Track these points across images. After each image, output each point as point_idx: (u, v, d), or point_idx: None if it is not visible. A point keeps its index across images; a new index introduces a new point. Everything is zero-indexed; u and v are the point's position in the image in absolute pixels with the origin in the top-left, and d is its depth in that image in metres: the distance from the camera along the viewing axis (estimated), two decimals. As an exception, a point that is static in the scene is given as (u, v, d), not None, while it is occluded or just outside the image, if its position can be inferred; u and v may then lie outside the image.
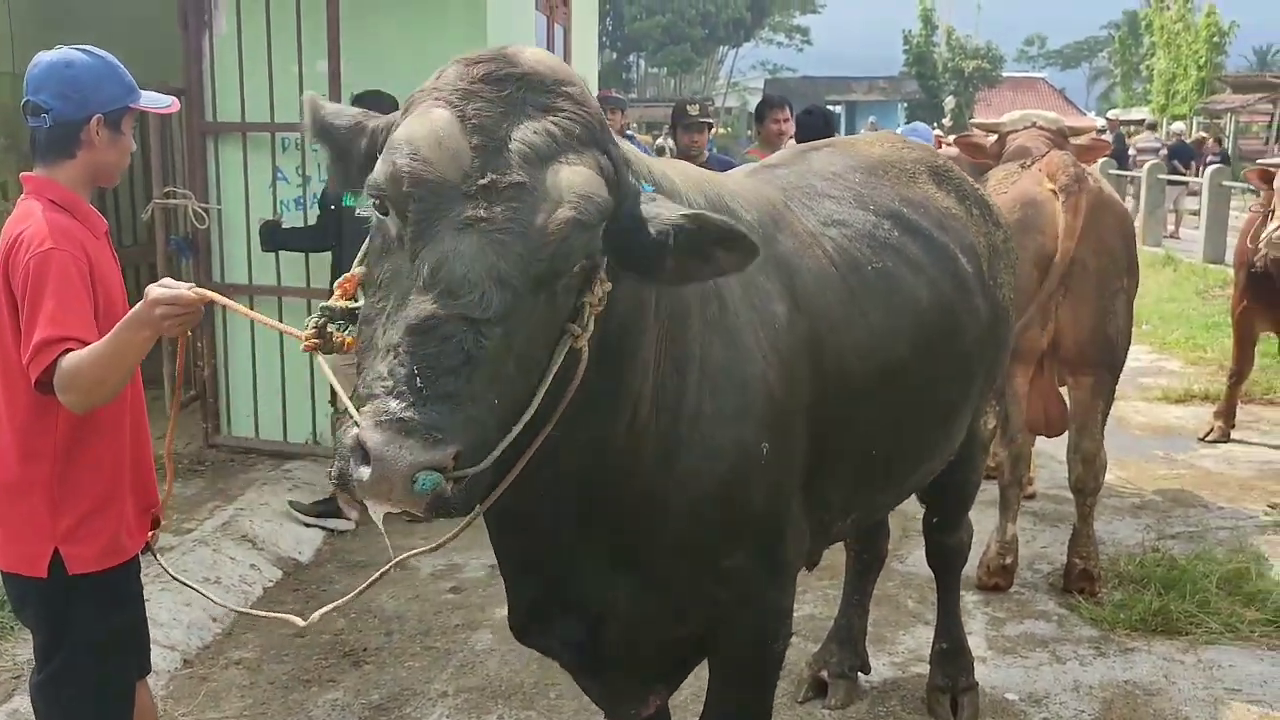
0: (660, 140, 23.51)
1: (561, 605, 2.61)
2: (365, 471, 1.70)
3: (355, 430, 1.72)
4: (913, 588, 5.24)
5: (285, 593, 5.16)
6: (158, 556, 3.03)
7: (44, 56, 2.76)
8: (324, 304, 2.13)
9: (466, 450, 1.73)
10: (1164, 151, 20.78)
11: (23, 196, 2.80)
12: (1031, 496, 6.44)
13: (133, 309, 2.52)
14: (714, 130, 7.24)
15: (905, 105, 46.88)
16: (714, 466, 2.44)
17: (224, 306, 2.64)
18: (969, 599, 5.16)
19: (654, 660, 2.79)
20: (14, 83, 8.22)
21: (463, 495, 1.75)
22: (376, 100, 5.29)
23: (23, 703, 3.59)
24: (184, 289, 2.49)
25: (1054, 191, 4.99)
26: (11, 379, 2.69)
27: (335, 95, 5.92)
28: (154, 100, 2.89)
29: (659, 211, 2.03)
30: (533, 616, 2.67)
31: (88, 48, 2.80)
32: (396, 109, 2.08)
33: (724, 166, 5.50)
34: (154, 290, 2.49)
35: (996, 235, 3.66)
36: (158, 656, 4.36)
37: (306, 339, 2.12)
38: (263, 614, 2.67)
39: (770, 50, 59.43)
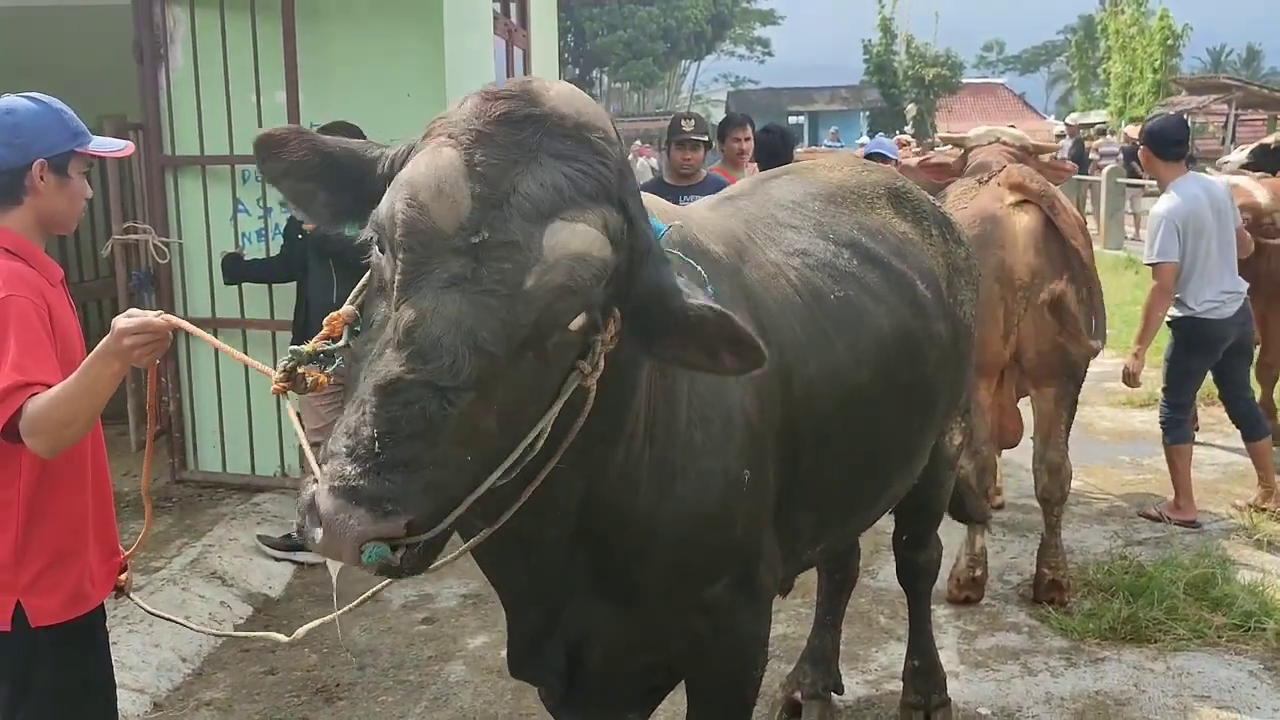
0: (645, 159, 23.41)
1: (551, 634, 2.61)
2: (318, 533, 1.68)
3: (312, 489, 1.71)
4: (884, 604, 5.27)
5: (257, 628, 5.11)
6: (132, 597, 3.00)
7: None
8: (292, 347, 2.09)
9: (420, 518, 1.70)
10: (1120, 156, 20.99)
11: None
12: (1000, 507, 6.49)
13: (100, 343, 2.50)
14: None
15: (867, 114, 47.21)
16: (705, 496, 2.46)
17: (190, 334, 2.61)
18: (940, 613, 5.19)
19: (630, 688, 2.80)
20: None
21: (414, 559, 1.73)
22: (345, 130, 5.28)
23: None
24: (151, 316, 2.47)
25: (1015, 205, 5.05)
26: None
27: (293, 123, 5.91)
28: (104, 145, 2.86)
29: (683, 291, 1.95)
30: (530, 649, 2.66)
31: (34, 95, 2.78)
32: (361, 138, 2.04)
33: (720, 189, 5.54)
34: (120, 321, 2.46)
35: (958, 253, 3.69)
36: (125, 700, 4.33)
37: (276, 382, 2.08)
38: (247, 634, 2.62)
39: (732, 63, 59.75)
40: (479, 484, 1.78)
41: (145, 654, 4.64)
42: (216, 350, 2.69)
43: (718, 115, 57.03)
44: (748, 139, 7.24)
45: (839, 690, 4.35)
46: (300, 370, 2.04)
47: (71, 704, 2.82)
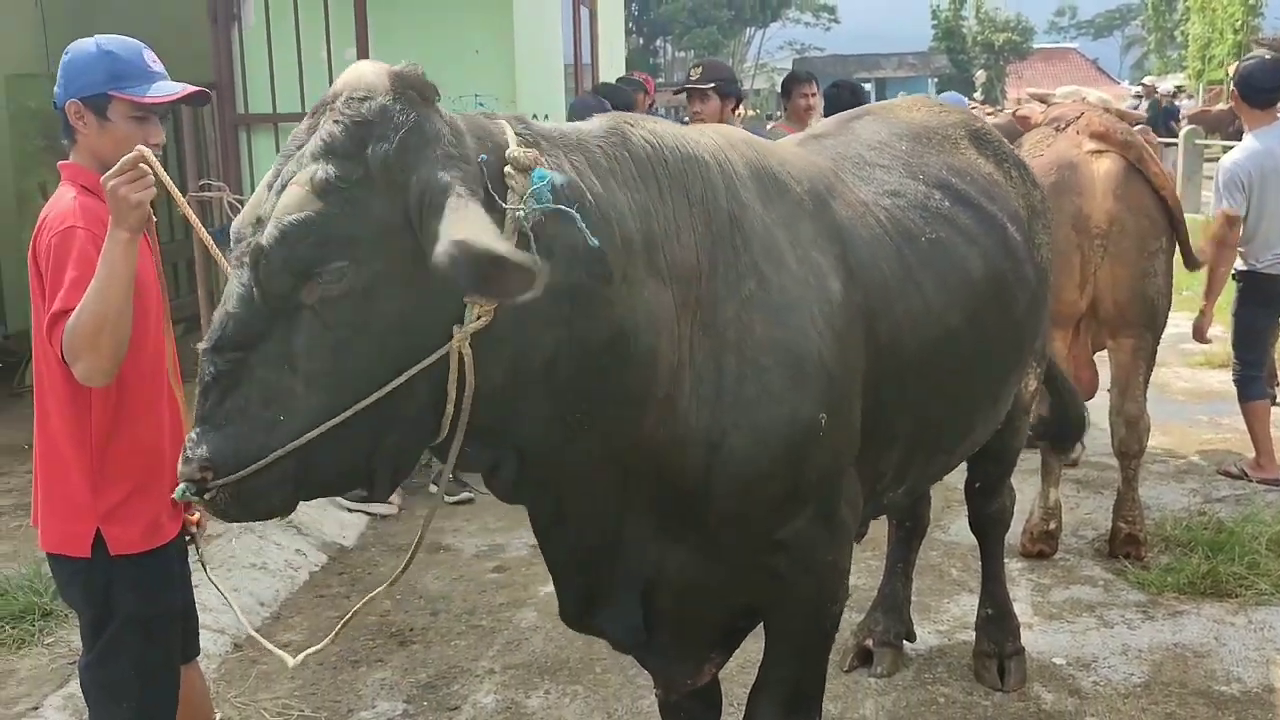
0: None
1: (613, 586, 2.61)
2: None
3: None
4: (956, 556, 5.22)
5: (330, 576, 5.22)
6: (199, 547, 3.06)
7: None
8: None
9: (217, 464, 1.96)
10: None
11: (61, 183, 2.84)
12: (1075, 463, 6.41)
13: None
14: (740, 106, 6.52)
15: (935, 80, 46.53)
16: (761, 447, 2.44)
17: (157, 173, 2.55)
18: (1013, 566, 5.14)
19: (709, 629, 2.80)
20: (48, 85, 8.37)
21: (225, 500, 1.99)
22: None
23: (77, 687, 3.64)
24: (129, 159, 2.48)
25: (1094, 152, 4.95)
26: (50, 363, 2.72)
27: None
28: (159, 89, 2.84)
29: (448, 233, 1.87)
30: (585, 603, 2.67)
31: (107, 37, 2.81)
32: (435, 93, 2.10)
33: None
34: (106, 184, 2.50)
35: (1035, 196, 3.63)
36: (206, 640, 4.40)
37: None
38: (263, 642, 2.70)
39: (797, 30, 59.13)
40: (298, 434, 1.97)
41: (228, 597, 4.71)
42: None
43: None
44: (813, 94, 7.14)
45: (911, 638, 4.33)
46: None
47: (150, 632, 2.88)
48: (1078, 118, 5.16)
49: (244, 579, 4.91)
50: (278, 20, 6.24)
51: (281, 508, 2.09)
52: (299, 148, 2.03)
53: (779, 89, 7.90)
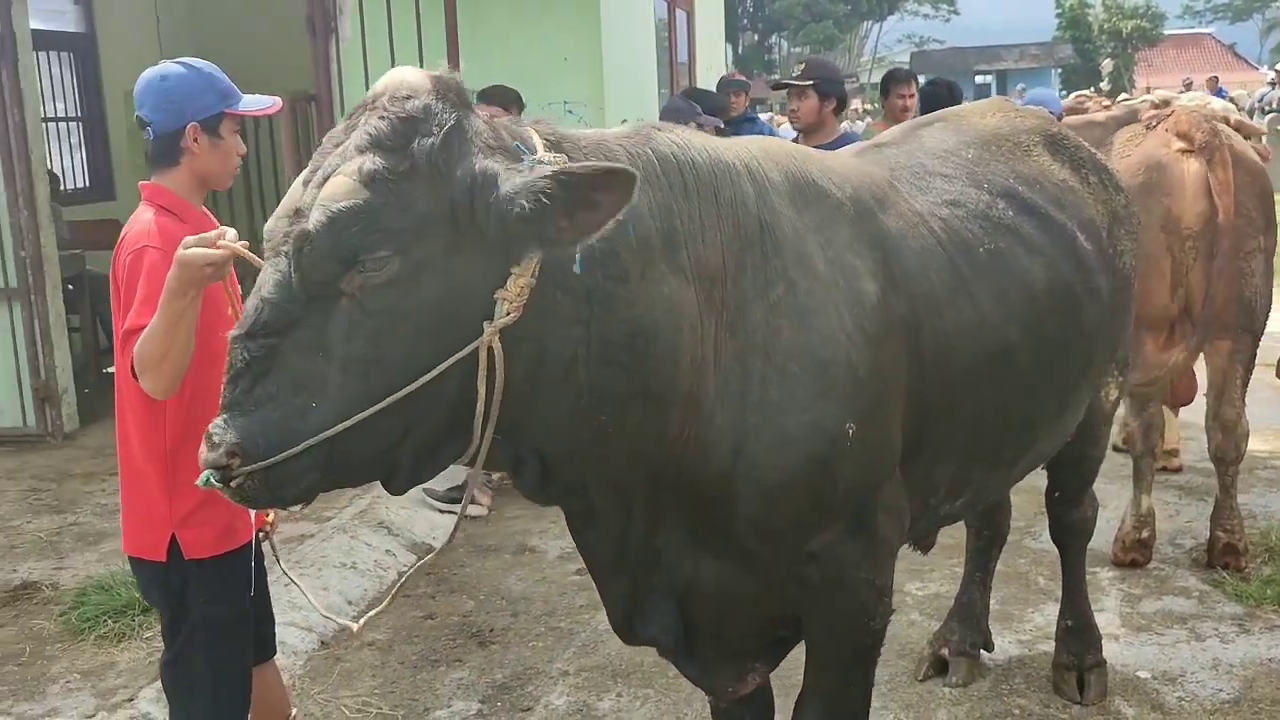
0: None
1: (652, 594, 2.63)
2: None
3: None
4: (1044, 565, 5.10)
5: (418, 577, 5.33)
6: (274, 546, 3.17)
7: (145, 73, 2.92)
8: None
9: (247, 450, 1.98)
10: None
11: (141, 203, 2.97)
12: (1179, 470, 6.22)
13: (168, 276, 2.58)
14: (844, 106, 6.12)
15: (1059, 71, 45.40)
16: (785, 454, 2.43)
17: (248, 260, 2.55)
18: (1104, 575, 5.03)
19: (748, 639, 2.80)
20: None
21: (253, 488, 2.01)
22: (502, 94, 5.42)
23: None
24: (211, 235, 2.55)
25: (1183, 151, 4.80)
26: (126, 376, 2.86)
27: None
28: (253, 104, 3.00)
29: (516, 181, 2.01)
30: (630, 612, 2.68)
31: (186, 60, 2.94)
32: (519, 102, 2.18)
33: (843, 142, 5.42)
34: (180, 253, 2.54)
35: (1117, 201, 3.54)
36: (296, 638, 4.61)
37: None
38: (322, 612, 2.78)
39: (916, 23, 58.26)
40: (329, 425, 2.00)
41: (314, 596, 4.84)
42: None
43: (901, 78, 55.75)
44: (911, 95, 7.04)
45: (989, 648, 4.26)
46: None
47: (223, 634, 3.00)
48: (1167, 116, 5.00)
49: (334, 578, 5.06)
50: (372, 32, 6.40)
51: (306, 495, 2.11)
52: (337, 145, 2.09)
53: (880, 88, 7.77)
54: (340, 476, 2.13)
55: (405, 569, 5.39)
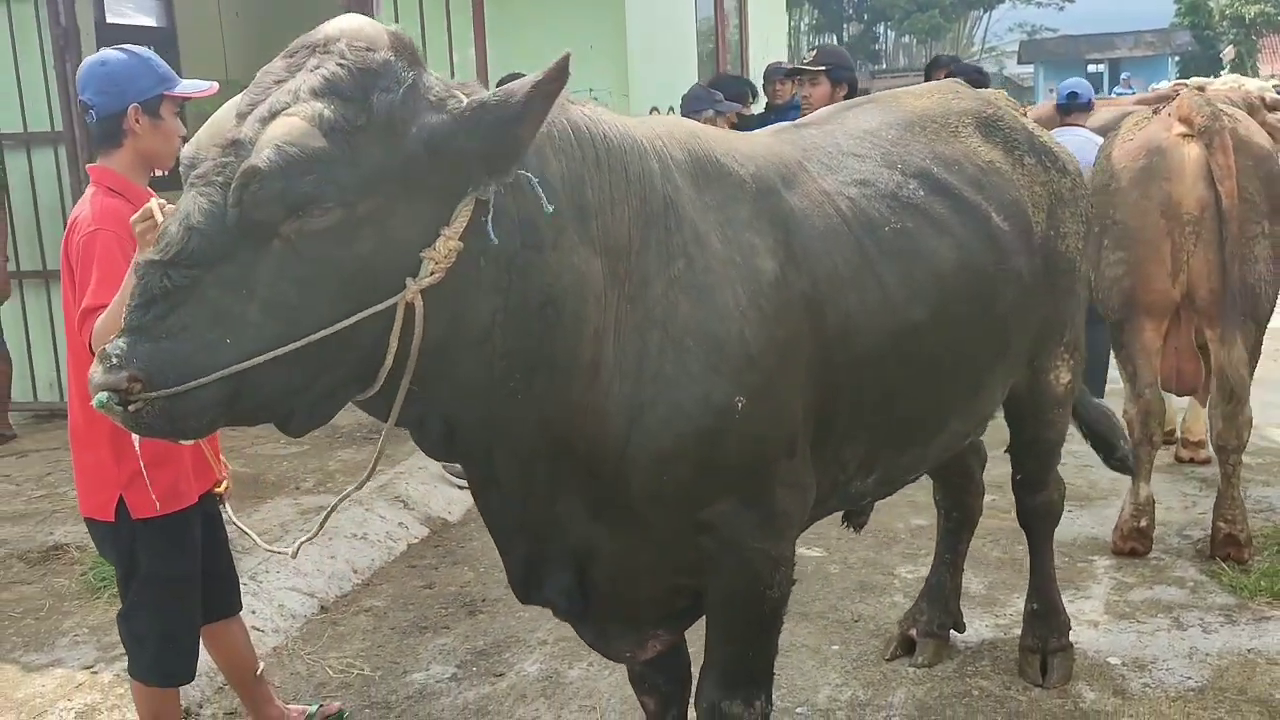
0: None
1: (548, 558, 2.70)
2: None
3: None
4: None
5: (427, 548, 5.53)
6: (226, 506, 3.35)
7: (85, 60, 3.13)
8: None
9: (150, 377, 1.95)
10: None
11: (89, 185, 3.18)
12: (1206, 461, 6.10)
13: None
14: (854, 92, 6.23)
15: (1177, 59, 44.00)
16: (676, 424, 2.48)
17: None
18: (1100, 563, 5.00)
19: (646, 606, 2.86)
20: (225, 91, 9.10)
21: (152, 415, 1.98)
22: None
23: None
24: (152, 204, 2.65)
25: (1185, 135, 4.73)
26: (77, 346, 3.07)
27: (483, 78, 6.29)
28: (190, 86, 3.19)
29: (444, 115, 2.08)
30: (528, 575, 2.75)
31: (125, 46, 3.14)
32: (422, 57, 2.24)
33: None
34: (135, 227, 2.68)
35: (1061, 183, 3.52)
36: (297, 603, 4.83)
37: None
38: (258, 542, 2.80)
39: (1029, 11, 56.81)
40: (235, 361, 1.99)
41: (321, 564, 5.10)
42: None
43: (1010, 67, 54.49)
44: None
45: (959, 629, 4.27)
46: None
47: (170, 590, 3.20)
48: (1172, 100, 4.93)
49: (342, 547, 5.27)
50: (405, 21, 6.59)
51: (204, 430, 2.10)
52: (278, 82, 2.09)
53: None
54: (242, 414, 2.12)
55: (415, 542, 5.60)
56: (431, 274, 2.10)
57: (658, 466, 2.52)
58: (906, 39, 54.44)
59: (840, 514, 3.53)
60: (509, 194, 2.20)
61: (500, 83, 6.04)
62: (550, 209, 2.21)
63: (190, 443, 2.21)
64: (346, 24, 2.16)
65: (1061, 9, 55.37)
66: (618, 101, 6.53)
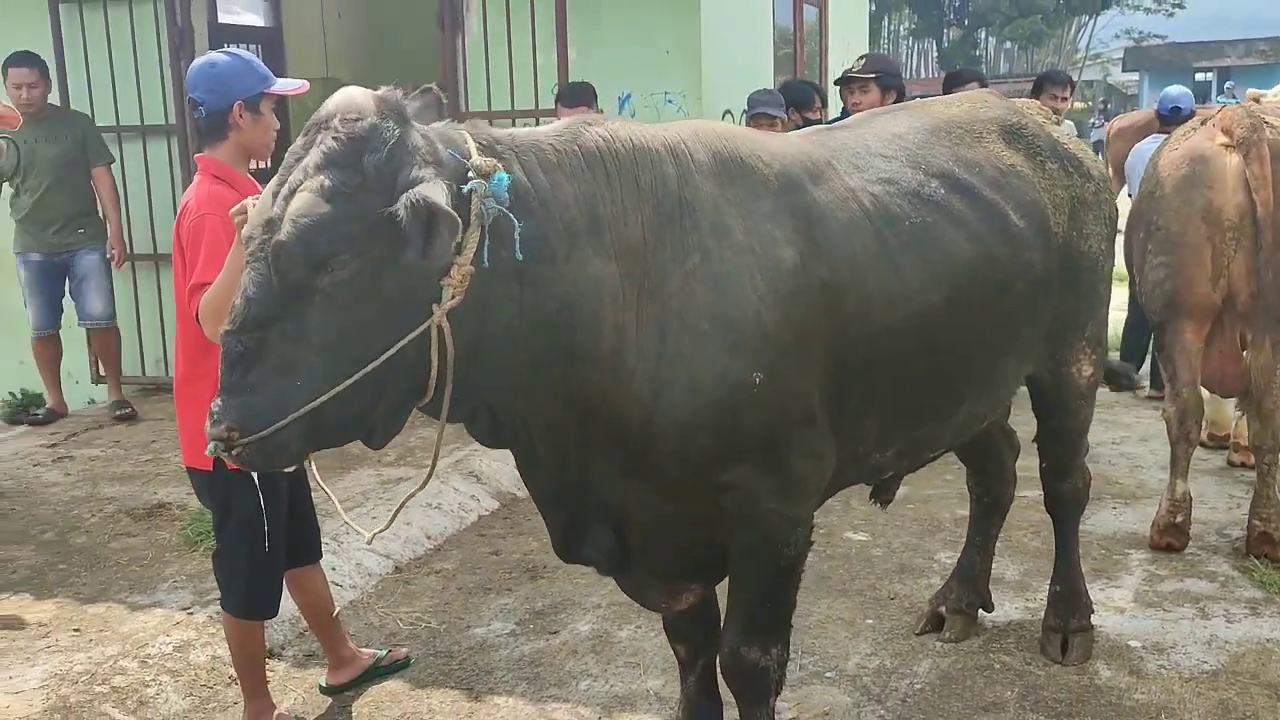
0: None
1: (587, 521, 3.03)
2: None
3: None
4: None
5: (496, 520, 5.90)
6: (312, 466, 3.71)
7: (195, 62, 3.54)
8: None
9: (241, 426, 2.37)
10: None
11: (197, 173, 3.59)
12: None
13: None
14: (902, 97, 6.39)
15: (1291, 69, 42.81)
16: (695, 399, 2.79)
17: None
18: (1136, 556, 5.18)
19: (676, 560, 3.18)
20: (325, 87, 9.60)
21: (249, 455, 2.42)
22: (579, 91, 5.92)
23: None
24: (246, 203, 2.97)
25: (1227, 145, 4.90)
26: (184, 316, 3.47)
27: (563, 79, 6.70)
28: (287, 85, 3.59)
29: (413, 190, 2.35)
30: (569, 535, 3.09)
31: (230, 49, 3.55)
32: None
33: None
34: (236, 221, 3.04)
35: (1085, 188, 3.76)
36: (374, 563, 5.23)
37: None
38: (346, 518, 3.17)
39: (1136, 17, 55.78)
40: (308, 399, 2.39)
41: (397, 529, 5.47)
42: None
43: (1115, 74, 53.47)
44: (1064, 97, 7.21)
45: (988, 608, 4.51)
46: None
47: (257, 533, 3.58)
48: (1219, 112, 5.10)
49: (418, 515, 5.66)
50: (493, 27, 6.99)
51: (295, 458, 2.54)
52: (298, 160, 2.44)
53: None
54: (326, 440, 2.55)
55: (485, 513, 5.98)
56: (453, 298, 2.47)
57: (680, 435, 2.83)
58: (1008, 45, 53.82)
59: (882, 500, 3.87)
60: (520, 216, 2.54)
61: (558, 95, 6.39)
62: (520, 258, 2.53)
63: (291, 469, 2.62)
64: (341, 99, 2.49)
65: (1171, 15, 54.28)
66: (691, 105, 6.83)
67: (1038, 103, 4.10)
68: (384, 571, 5.21)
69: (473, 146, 2.57)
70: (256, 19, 11.22)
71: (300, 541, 3.86)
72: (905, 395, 3.27)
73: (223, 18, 10.27)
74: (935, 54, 53.94)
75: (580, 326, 2.69)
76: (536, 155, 2.70)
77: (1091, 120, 34.71)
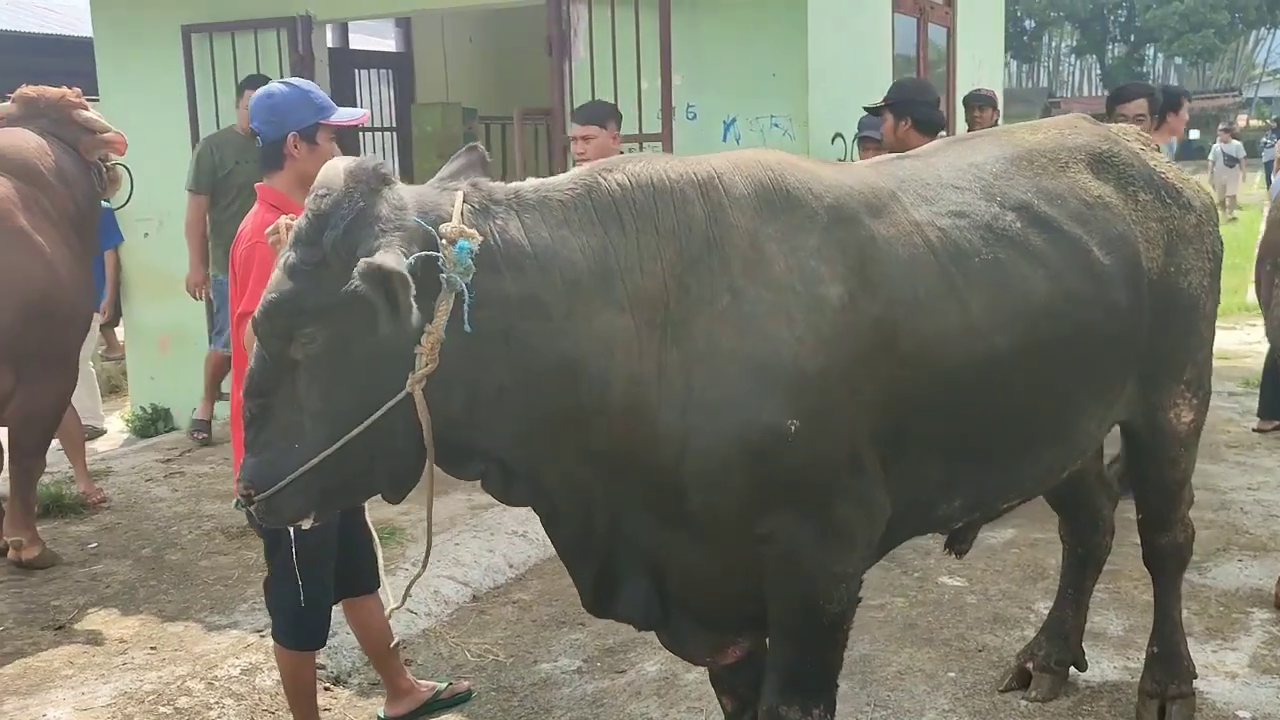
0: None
1: (619, 576, 2.90)
2: None
3: None
4: (1194, 600, 4.89)
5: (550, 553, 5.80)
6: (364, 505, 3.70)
7: (257, 91, 3.55)
8: None
9: (258, 483, 2.54)
10: None
11: (256, 202, 3.60)
12: None
13: None
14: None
15: None
16: (721, 447, 2.65)
17: None
18: (1257, 616, 4.80)
19: (719, 613, 3.01)
20: (445, 111, 9.75)
21: (264, 511, 2.57)
22: (594, 110, 5.75)
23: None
24: (280, 221, 2.99)
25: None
26: (237, 343, 3.48)
27: (668, 104, 6.62)
28: (345, 115, 3.57)
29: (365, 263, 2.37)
30: (600, 588, 2.95)
31: (291, 80, 3.55)
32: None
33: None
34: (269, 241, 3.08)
35: (1184, 220, 3.48)
36: (451, 589, 5.21)
37: None
38: (385, 583, 3.49)
39: (1319, 30, 52.96)
40: (303, 461, 2.50)
41: (479, 556, 5.47)
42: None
43: (1293, 91, 50.76)
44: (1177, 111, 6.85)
45: (1080, 666, 4.21)
46: None
47: (305, 563, 3.55)
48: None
49: (502, 543, 5.62)
50: (599, 51, 6.94)
51: (304, 515, 2.61)
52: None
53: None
54: (333, 499, 2.66)
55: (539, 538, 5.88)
56: (426, 365, 2.46)
57: (710, 486, 2.70)
58: (1178, 60, 51.72)
59: (957, 550, 3.69)
60: (491, 282, 2.50)
61: (576, 112, 6.22)
62: (469, 329, 2.47)
63: (308, 526, 2.66)
64: (324, 173, 2.55)
65: (1356, 29, 51.35)
66: (798, 129, 6.64)
67: (1136, 128, 3.81)
68: (462, 600, 5.17)
69: (456, 208, 2.54)
70: (389, 44, 11.48)
71: (351, 572, 3.84)
72: (972, 440, 3.05)
73: (354, 43, 10.53)
74: (1099, 71, 52.16)
75: (586, 381, 2.60)
76: (541, 211, 2.64)
77: (1264, 139, 32.99)
